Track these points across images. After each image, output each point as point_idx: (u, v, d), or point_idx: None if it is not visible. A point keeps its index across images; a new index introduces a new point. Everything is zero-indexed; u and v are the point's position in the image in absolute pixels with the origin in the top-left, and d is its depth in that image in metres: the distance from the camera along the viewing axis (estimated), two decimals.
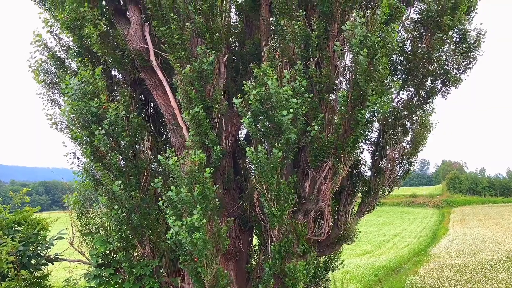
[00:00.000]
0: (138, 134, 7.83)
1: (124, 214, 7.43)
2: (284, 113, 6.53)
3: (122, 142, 7.47)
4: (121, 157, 7.59)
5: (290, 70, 7.09)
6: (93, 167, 7.84)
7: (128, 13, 8.20)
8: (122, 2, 8.37)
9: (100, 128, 7.15)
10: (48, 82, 9.11)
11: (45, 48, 8.91)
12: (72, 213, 8.97)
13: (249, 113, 6.93)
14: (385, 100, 7.14)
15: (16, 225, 8.72)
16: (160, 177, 6.99)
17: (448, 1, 8.39)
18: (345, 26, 6.85)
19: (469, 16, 9.05)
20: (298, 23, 7.36)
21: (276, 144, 6.80)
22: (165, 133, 9.65)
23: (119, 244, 7.80)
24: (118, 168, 7.47)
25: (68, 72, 8.68)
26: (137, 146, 7.93)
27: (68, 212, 9.25)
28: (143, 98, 9.33)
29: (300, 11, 7.45)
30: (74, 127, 7.59)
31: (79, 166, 8.91)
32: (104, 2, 8.49)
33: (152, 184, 7.23)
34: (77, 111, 7.22)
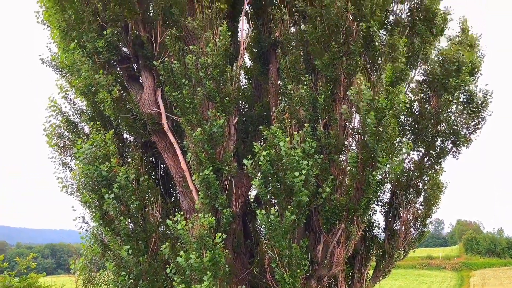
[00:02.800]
0: (147, 197, 7.78)
1: (132, 280, 7.18)
2: (296, 175, 6.48)
3: (131, 205, 7.40)
4: (129, 221, 7.48)
5: (300, 132, 7.14)
6: (102, 231, 7.72)
7: (141, 79, 8.49)
8: (135, 68, 8.69)
9: (110, 192, 7.13)
10: (60, 145, 9.26)
11: (59, 113, 9.17)
12: (78, 280, 8.71)
13: (259, 174, 6.89)
14: (396, 160, 7.10)
15: None
16: (168, 242, 6.83)
17: (452, 64, 8.60)
18: (350, 92, 6.98)
19: (473, 77, 9.22)
20: (305, 87, 7.53)
21: (288, 207, 6.68)
22: (174, 195, 9.59)
23: None
24: (127, 232, 7.34)
25: (81, 135, 8.85)
26: (146, 209, 7.84)
27: (73, 277, 8.99)
28: (153, 159, 9.39)
29: (307, 75, 7.65)
30: (84, 191, 7.58)
31: (87, 230, 8.79)
32: (118, 69, 8.82)
33: (161, 249, 7.06)
34: (87, 175, 7.24)
